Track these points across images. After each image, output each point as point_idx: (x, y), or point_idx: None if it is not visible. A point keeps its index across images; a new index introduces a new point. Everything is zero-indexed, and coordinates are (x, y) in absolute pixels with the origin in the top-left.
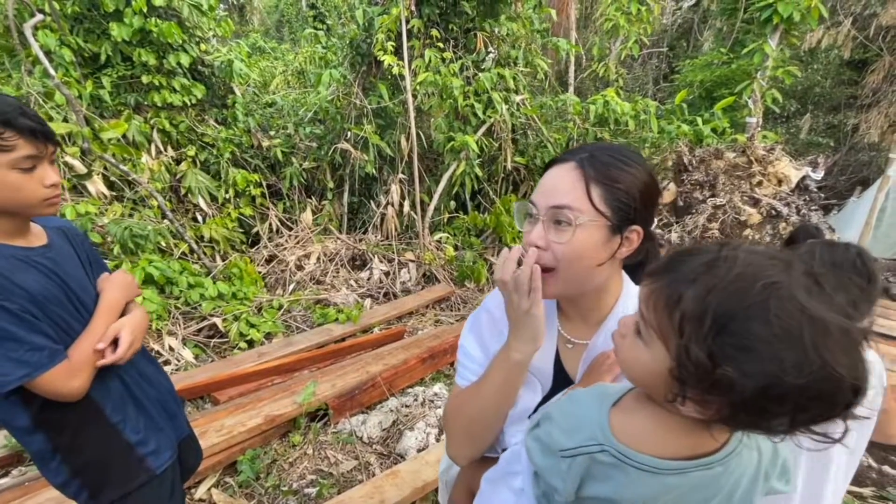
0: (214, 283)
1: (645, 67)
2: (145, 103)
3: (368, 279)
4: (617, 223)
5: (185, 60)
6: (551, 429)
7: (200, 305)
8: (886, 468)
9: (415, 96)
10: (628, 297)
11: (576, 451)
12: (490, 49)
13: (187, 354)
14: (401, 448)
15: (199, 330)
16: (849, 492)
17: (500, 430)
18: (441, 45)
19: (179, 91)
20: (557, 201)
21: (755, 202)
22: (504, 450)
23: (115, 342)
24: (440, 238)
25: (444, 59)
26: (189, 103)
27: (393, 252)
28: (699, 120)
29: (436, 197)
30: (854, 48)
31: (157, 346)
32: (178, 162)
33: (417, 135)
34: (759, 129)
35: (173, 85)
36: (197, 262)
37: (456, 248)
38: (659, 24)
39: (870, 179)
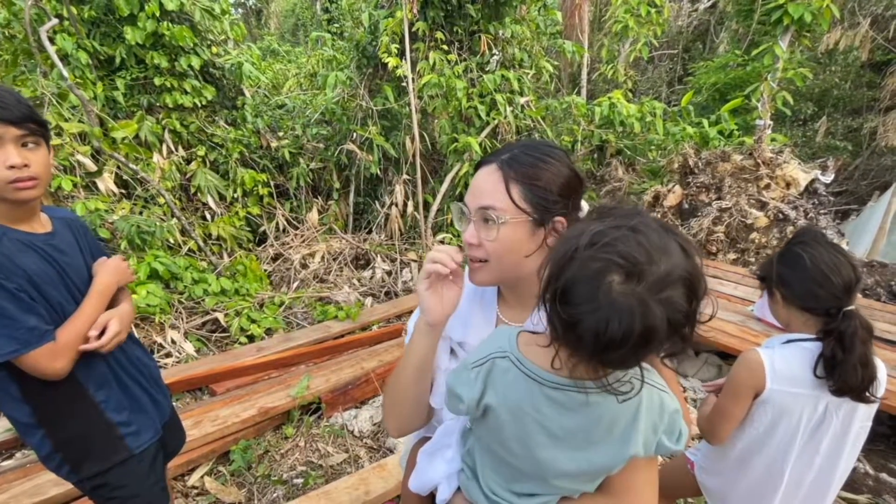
0: (218, 279)
1: (658, 70)
2: (157, 104)
3: (371, 278)
4: (539, 217)
5: (196, 63)
6: (467, 356)
7: (204, 300)
8: (884, 475)
9: (419, 98)
10: None
11: (483, 360)
12: (495, 51)
13: (189, 347)
14: (390, 443)
15: (202, 324)
16: (845, 498)
17: (423, 402)
18: (446, 47)
19: (190, 93)
20: (483, 202)
21: (762, 205)
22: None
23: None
24: (443, 238)
25: (448, 62)
26: (200, 104)
27: (396, 252)
28: (706, 122)
29: (439, 198)
30: (874, 49)
31: (159, 339)
32: (188, 161)
33: (421, 136)
34: (770, 131)
35: (184, 87)
36: (204, 259)
37: (459, 248)
38: (672, 26)
39: (891, 184)
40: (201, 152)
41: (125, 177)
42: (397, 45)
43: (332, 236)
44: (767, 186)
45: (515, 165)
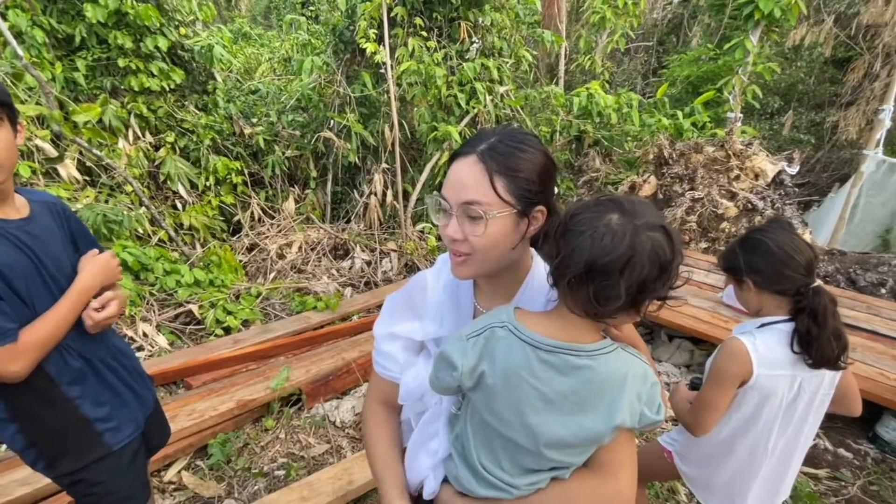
0: (191, 270)
1: (634, 62)
2: (122, 87)
3: (350, 268)
4: (523, 209)
5: (163, 44)
6: (459, 332)
7: (176, 292)
8: (841, 450)
9: (398, 85)
10: (537, 269)
11: (481, 330)
12: (474, 39)
13: (161, 340)
14: None
15: (175, 317)
16: (805, 473)
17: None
18: (425, 34)
19: (158, 76)
20: (467, 197)
21: (732, 196)
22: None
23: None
24: (422, 228)
25: (427, 49)
26: (168, 88)
27: (375, 242)
28: (680, 114)
29: (419, 187)
30: (836, 46)
31: (129, 332)
32: (156, 148)
33: (400, 124)
34: (740, 124)
35: (151, 69)
36: (176, 250)
37: (438, 238)
38: (647, 19)
39: (849, 176)
40: (170, 138)
41: (88, 163)
42: (375, 31)
43: (309, 226)
44: (737, 177)
45: (496, 157)
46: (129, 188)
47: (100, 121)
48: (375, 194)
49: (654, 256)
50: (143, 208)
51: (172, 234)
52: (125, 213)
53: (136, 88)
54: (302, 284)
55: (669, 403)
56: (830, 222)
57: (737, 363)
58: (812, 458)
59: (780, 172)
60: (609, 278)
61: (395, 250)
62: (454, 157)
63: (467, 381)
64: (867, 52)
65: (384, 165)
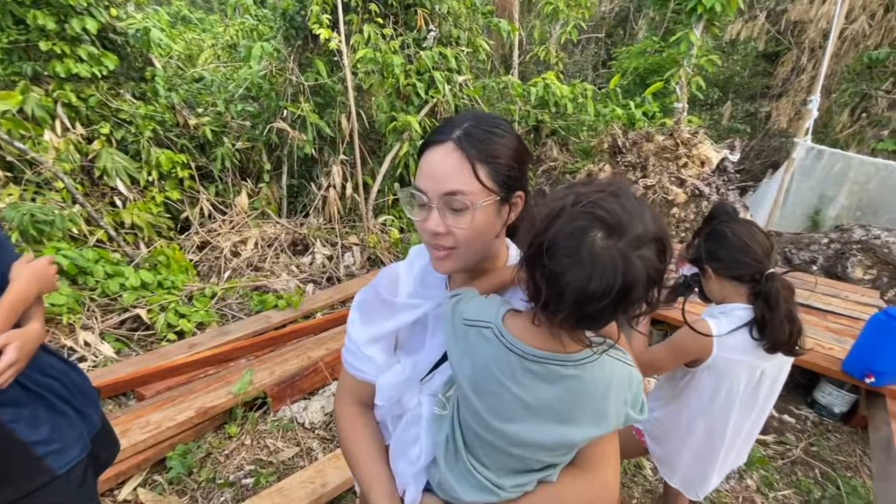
0: (137, 271)
1: (584, 53)
2: (45, 74)
3: (310, 264)
4: (505, 195)
5: (91, 26)
6: (465, 304)
7: (121, 296)
8: (786, 416)
9: (354, 74)
10: (512, 258)
11: (473, 323)
12: (431, 27)
13: (106, 349)
14: None
15: (121, 322)
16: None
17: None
18: (380, 20)
19: (87, 61)
20: (449, 187)
21: (681, 182)
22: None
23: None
24: (385, 221)
25: (384, 36)
26: (99, 75)
27: (336, 236)
28: (632, 104)
29: (379, 178)
30: (768, 41)
31: (69, 342)
32: (89, 140)
33: (358, 114)
34: (686, 114)
35: (79, 53)
36: (117, 251)
37: (401, 230)
38: (597, 12)
39: (780, 162)
40: (105, 130)
41: (10, 158)
42: (329, 16)
43: (264, 221)
44: (685, 165)
45: (475, 143)
46: (59, 185)
47: (21, 110)
48: (334, 187)
49: (648, 279)
50: (78, 206)
51: (112, 233)
52: (56, 212)
53: (63, 75)
54: (260, 283)
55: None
56: (766, 206)
57: (697, 340)
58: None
59: (723, 160)
60: (604, 315)
61: (357, 244)
62: (426, 145)
63: (456, 365)
64: (795, 46)
65: (342, 157)
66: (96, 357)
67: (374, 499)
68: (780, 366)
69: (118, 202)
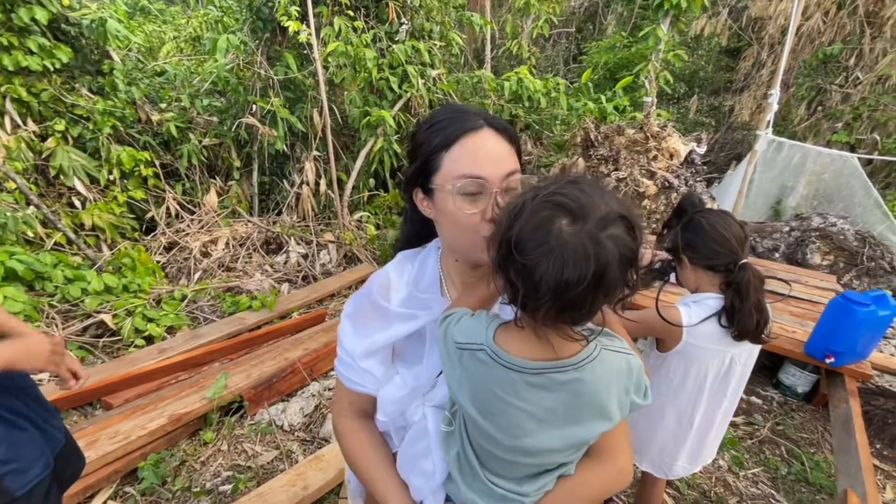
0: (99, 275)
1: (556, 48)
2: None
3: (285, 263)
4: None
5: (41, 16)
6: (454, 327)
7: (83, 301)
8: (753, 398)
9: (325, 68)
10: None
11: (464, 346)
12: (403, 20)
13: None
14: (325, 432)
15: (84, 329)
16: None
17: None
18: (351, 13)
19: (38, 53)
20: (510, 167)
21: (651, 175)
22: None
23: None
24: (360, 217)
25: (355, 29)
26: (52, 68)
27: (311, 233)
28: (603, 98)
29: (353, 175)
30: (730, 37)
31: None
32: (43, 138)
33: (331, 109)
34: (654, 107)
35: (28, 45)
36: (77, 254)
37: (377, 226)
38: (567, 6)
39: (743, 154)
40: (60, 126)
41: None
42: (297, 8)
43: (235, 220)
44: (655, 158)
45: (505, 126)
46: (11, 185)
47: None
48: (307, 183)
49: (622, 258)
50: (32, 208)
51: (72, 235)
52: (9, 214)
53: (11, 68)
54: (233, 283)
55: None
56: (731, 197)
57: (665, 327)
58: None
59: (690, 152)
60: (584, 301)
61: (332, 241)
62: (459, 133)
63: (456, 389)
64: (756, 42)
65: (315, 153)
66: None
67: None
68: (750, 351)
69: (77, 203)
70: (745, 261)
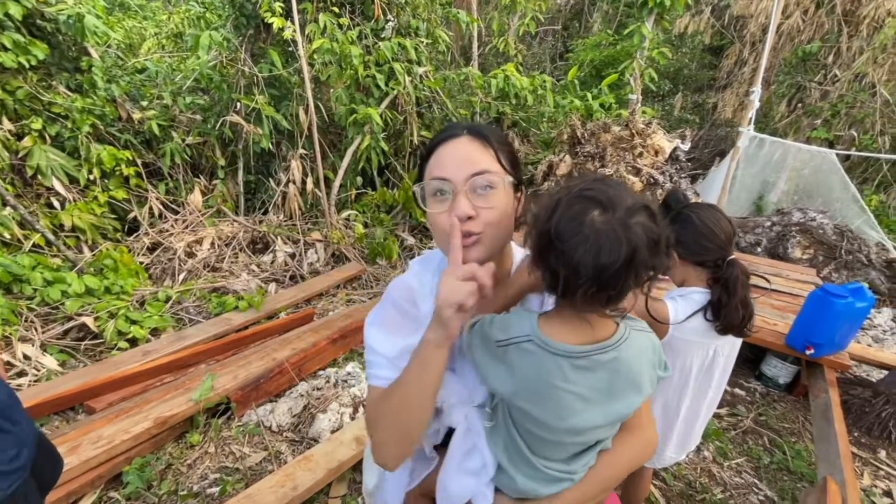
0: (80, 277)
1: (543, 45)
2: None
3: (272, 263)
4: (518, 181)
5: (15, 11)
6: (490, 327)
7: (63, 304)
8: (737, 390)
9: (311, 65)
10: (516, 260)
11: (508, 342)
12: (389, 17)
13: (49, 361)
14: (313, 432)
15: (65, 332)
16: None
17: (428, 418)
18: (336, 9)
19: (12, 49)
20: (477, 168)
21: (637, 171)
22: (440, 445)
23: None
24: (348, 216)
25: (340, 26)
26: (27, 65)
27: (298, 232)
28: (589, 95)
29: (341, 173)
30: (713, 35)
31: (5, 356)
32: (19, 137)
33: (316, 107)
34: (640, 105)
35: (2, 42)
36: (57, 255)
37: (366, 225)
38: (553, 3)
39: (726, 151)
40: (37, 125)
41: None
42: (282, 4)
43: (221, 220)
44: (640, 154)
45: (489, 131)
46: None
47: None
48: (294, 182)
49: (649, 242)
50: (9, 209)
51: (51, 237)
52: None
53: None
54: (219, 284)
55: None
56: (715, 192)
57: (652, 322)
58: None
59: (675, 149)
60: (618, 280)
61: (320, 240)
62: (438, 143)
63: (500, 386)
64: (738, 40)
65: (301, 151)
66: (38, 371)
67: (434, 339)
68: (733, 343)
69: (56, 203)
70: (732, 257)
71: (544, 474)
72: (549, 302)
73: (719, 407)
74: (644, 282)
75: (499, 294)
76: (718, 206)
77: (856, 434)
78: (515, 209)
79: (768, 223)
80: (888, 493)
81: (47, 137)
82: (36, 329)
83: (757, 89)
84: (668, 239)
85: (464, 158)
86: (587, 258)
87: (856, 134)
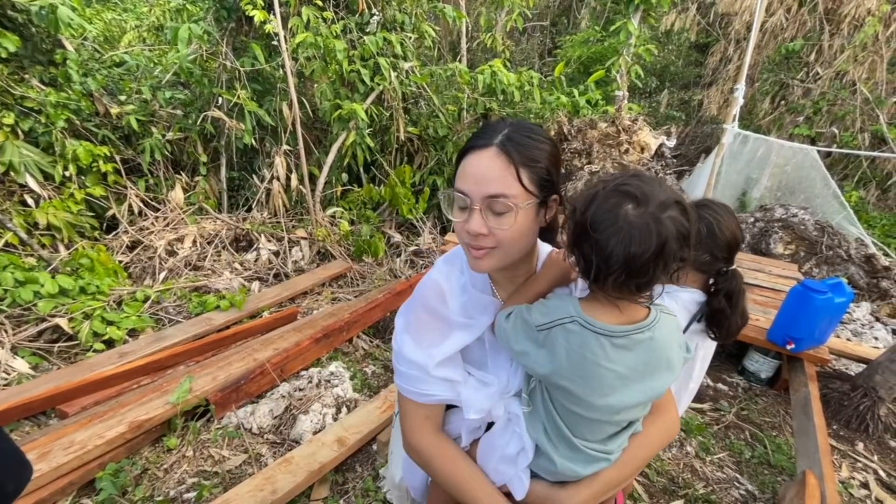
0: (54, 277)
1: (530, 41)
2: None
3: (256, 261)
4: (542, 198)
5: None
6: (529, 314)
7: (36, 305)
8: (720, 385)
9: (294, 59)
10: (542, 255)
11: (551, 324)
12: (374, 11)
13: (20, 365)
14: (295, 433)
15: (38, 334)
16: (693, 409)
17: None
18: (320, 2)
19: None
20: (493, 190)
21: (623, 168)
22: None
23: None
24: (334, 213)
25: (324, 20)
26: None
27: (282, 230)
28: (576, 92)
29: (326, 169)
30: (699, 32)
31: None
32: None
33: (300, 102)
34: (626, 101)
35: None
36: (31, 255)
37: (352, 222)
38: (542, 0)
39: (711, 147)
40: (9, 120)
41: None
42: None
43: (203, 217)
44: (627, 151)
45: (517, 147)
46: None
47: None
48: (278, 179)
49: (679, 235)
50: None
51: (24, 236)
52: None
53: None
54: (200, 282)
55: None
56: (700, 189)
57: None
58: (698, 395)
59: (661, 146)
60: (647, 270)
61: (305, 238)
62: (467, 150)
63: (541, 369)
64: (723, 37)
65: (285, 147)
66: (8, 374)
67: None
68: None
69: (30, 201)
70: (734, 267)
71: (584, 454)
72: (576, 294)
73: (703, 402)
74: (673, 272)
75: (528, 288)
76: (731, 209)
77: (834, 427)
78: (544, 218)
79: (751, 219)
80: (865, 485)
81: (20, 133)
82: (6, 331)
83: (741, 86)
84: (699, 233)
85: (484, 176)
86: (619, 248)
87: (837, 131)
